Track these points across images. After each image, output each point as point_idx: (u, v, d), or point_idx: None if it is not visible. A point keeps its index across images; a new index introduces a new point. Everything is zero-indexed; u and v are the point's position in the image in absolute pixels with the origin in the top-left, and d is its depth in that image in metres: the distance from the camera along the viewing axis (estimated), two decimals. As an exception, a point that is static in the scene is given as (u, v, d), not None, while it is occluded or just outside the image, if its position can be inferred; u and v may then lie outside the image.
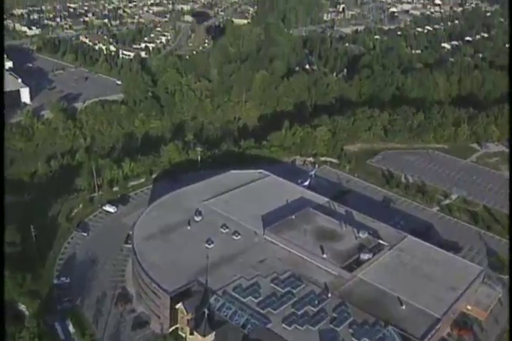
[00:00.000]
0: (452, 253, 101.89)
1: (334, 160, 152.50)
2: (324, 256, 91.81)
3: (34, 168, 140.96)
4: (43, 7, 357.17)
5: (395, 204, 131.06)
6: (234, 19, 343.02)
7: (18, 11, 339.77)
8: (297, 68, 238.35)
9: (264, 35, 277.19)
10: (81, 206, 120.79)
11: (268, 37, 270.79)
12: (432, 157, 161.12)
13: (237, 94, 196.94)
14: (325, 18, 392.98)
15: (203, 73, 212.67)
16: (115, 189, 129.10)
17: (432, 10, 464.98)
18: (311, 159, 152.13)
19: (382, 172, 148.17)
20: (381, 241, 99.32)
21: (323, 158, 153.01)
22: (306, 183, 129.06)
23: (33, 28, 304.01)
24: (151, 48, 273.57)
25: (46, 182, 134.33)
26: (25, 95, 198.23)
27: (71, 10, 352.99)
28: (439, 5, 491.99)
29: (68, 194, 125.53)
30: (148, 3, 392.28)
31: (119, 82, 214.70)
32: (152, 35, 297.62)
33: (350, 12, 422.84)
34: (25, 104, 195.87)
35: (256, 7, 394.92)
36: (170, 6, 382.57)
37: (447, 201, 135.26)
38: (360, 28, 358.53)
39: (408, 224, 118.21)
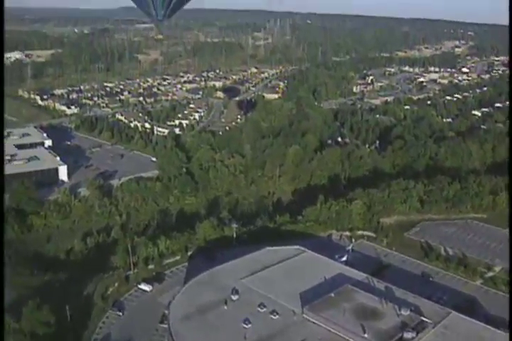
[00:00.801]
0: (500, 330, 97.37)
1: (371, 234, 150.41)
2: (366, 335, 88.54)
3: (70, 245, 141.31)
4: (82, 87, 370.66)
5: (436, 278, 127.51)
6: (265, 94, 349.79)
7: (58, 91, 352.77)
8: (329, 141, 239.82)
9: (295, 109, 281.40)
10: (116, 284, 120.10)
11: (299, 111, 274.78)
12: (471, 227, 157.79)
13: (271, 168, 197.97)
14: (354, 90, 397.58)
15: (236, 149, 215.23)
16: (150, 267, 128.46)
17: (460, 78, 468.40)
18: (347, 233, 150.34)
19: (420, 244, 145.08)
20: (424, 319, 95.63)
21: (359, 232, 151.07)
22: (344, 259, 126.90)
23: (72, 107, 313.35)
24: (184, 125, 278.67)
25: (82, 259, 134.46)
26: (62, 173, 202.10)
27: (108, 89, 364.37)
28: (466, 73, 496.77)
29: (104, 272, 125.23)
30: (182, 80, 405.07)
31: (154, 159, 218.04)
32: (186, 112, 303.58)
33: (379, 83, 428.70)
34: (62, 181, 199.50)
35: (286, 82, 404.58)
36: (202, 83, 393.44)
37: (490, 273, 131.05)
38: (390, 98, 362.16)
39: (451, 299, 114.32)
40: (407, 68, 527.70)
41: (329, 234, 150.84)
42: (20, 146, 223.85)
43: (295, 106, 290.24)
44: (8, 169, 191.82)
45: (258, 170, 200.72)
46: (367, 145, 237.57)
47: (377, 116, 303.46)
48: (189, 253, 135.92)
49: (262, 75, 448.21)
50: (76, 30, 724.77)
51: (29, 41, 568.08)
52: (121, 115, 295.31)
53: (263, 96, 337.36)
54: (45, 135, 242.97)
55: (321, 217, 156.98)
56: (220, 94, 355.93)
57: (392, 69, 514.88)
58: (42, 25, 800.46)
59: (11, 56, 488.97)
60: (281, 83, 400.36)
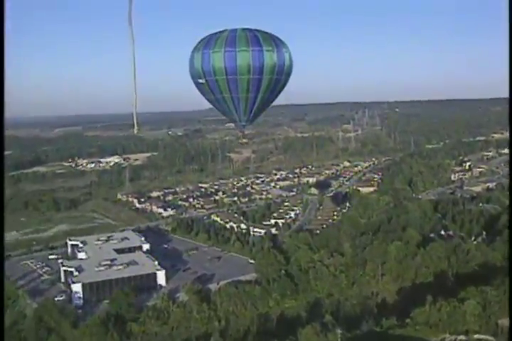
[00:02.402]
0: None
1: (490, 338, 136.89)
2: None
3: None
4: (177, 188, 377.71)
5: None
6: (360, 188, 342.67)
7: (154, 194, 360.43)
8: (432, 235, 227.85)
9: (392, 202, 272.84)
10: None
11: (397, 204, 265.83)
12: None
13: (372, 267, 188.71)
14: (452, 178, 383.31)
15: (335, 247, 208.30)
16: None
17: None
18: (462, 337, 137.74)
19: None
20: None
21: (476, 336, 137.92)
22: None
23: (168, 209, 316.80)
24: (280, 224, 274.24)
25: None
26: (161, 277, 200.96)
27: (202, 189, 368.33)
28: None
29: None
30: (275, 178, 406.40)
31: (251, 261, 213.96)
32: (281, 211, 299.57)
33: (478, 169, 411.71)
34: (160, 286, 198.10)
35: (381, 174, 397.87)
36: (295, 180, 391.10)
37: None
38: (491, 184, 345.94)
39: None
40: (505, 151, 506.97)
41: (442, 338, 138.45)
42: (119, 250, 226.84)
43: (392, 199, 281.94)
44: (109, 274, 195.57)
45: (359, 269, 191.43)
46: (473, 238, 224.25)
47: (481, 204, 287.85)
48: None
49: (355, 168, 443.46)
50: (170, 133, 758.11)
51: (127, 145, 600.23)
52: (217, 216, 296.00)
53: (358, 190, 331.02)
54: (143, 238, 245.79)
55: (432, 320, 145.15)
56: (314, 190, 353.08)
57: (490, 153, 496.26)
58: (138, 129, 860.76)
59: (111, 160, 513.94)
60: (376, 175, 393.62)
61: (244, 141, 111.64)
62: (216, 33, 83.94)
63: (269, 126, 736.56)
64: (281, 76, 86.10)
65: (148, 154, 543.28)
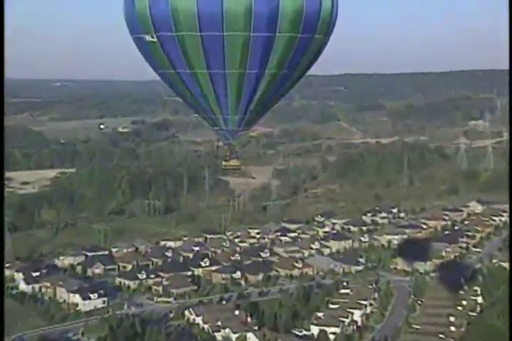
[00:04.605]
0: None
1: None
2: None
3: None
4: (113, 249, 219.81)
5: None
6: (503, 263, 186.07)
7: (63, 261, 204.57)
8: None
9: None
10: None
11: None
12: None
13: None
14: None
15: None
16: None
17: None
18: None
19: None
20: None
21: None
22: None
23: (92, 295, 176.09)
24: (332, 337, 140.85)
25: None
26: None
27: (167, 253, 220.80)
28: None
29: None
30: (321, 231, 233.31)
31: None
32: (333, 306, 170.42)
33: None
34: None
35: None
36: (364, 238, 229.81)
37: None
38: None
39: None
40: None
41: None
42: None
43: None
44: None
45: None
46: None
47: None
48: None
49: (495, 219, 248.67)
50: (102, 127, 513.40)
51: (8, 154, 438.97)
52: (197, 314, 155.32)
53: (504, 268, 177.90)
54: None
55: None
56: (401, 262, 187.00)
57: None
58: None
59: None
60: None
61: (233, 163, 60.30)
62: None
63: (311, 119, 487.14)
64: (312, 33, 51.99)
65: (54, 171, 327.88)
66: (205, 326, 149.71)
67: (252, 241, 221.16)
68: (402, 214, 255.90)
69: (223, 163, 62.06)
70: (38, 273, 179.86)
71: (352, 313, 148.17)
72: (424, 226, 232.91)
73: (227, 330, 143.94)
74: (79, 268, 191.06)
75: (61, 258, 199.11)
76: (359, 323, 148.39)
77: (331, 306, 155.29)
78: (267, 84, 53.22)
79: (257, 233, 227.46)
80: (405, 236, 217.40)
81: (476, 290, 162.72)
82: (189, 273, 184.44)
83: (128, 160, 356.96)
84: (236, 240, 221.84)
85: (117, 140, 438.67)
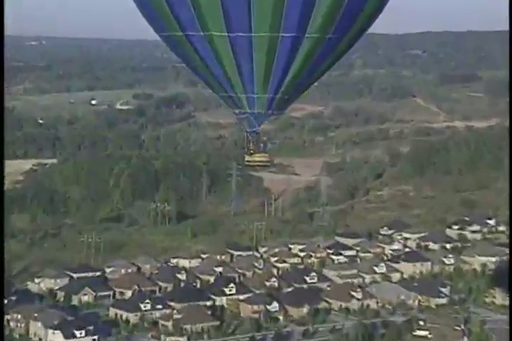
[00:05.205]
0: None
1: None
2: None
3: None
4: (107, 269, 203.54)
5: None
6: None
7: (40, 285, 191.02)
8: None
9: None
10: None
11: None
12: None
13: None
14: None
15: None
16: None
17: None
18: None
19: None
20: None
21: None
22: None
23: (78, 332, 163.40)
24: None
25: None
26: None
27: (179, 274, 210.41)
28: None
29: None
30: (388, 249, 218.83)
31: None
32: None
33: None
34: None
35: None
36: (450, 259, 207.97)
37: None
38: None
39: None
40: None
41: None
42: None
43: None
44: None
45: None
46: None
47: None
48: None
49: None
50: (94, 103, 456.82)
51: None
52: None
53: None
54: None
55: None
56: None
57: None
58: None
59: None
60: None
61: (259, 158, 53.41)
62: None
63: (376, 94, 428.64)
64: None
65: (29, 162, 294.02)
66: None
67: (295, 260, 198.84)
68: (501, 228, 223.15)
69: (246, 157, 55.15)
70: (5, 302, 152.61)
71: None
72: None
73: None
74: (61, 295, 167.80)
75: (37, 280, 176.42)
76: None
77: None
78: (305, 53, 45.73)
79: (301, 250, 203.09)
80: (505, 258, 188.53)
81: None
82: (209, 303, 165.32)
83: (128, 149, 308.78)
84: (272, 259, 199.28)
85: (114, 121, 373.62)
